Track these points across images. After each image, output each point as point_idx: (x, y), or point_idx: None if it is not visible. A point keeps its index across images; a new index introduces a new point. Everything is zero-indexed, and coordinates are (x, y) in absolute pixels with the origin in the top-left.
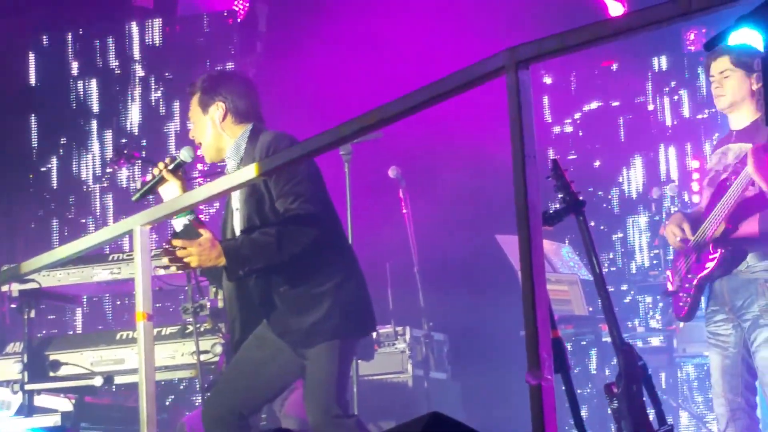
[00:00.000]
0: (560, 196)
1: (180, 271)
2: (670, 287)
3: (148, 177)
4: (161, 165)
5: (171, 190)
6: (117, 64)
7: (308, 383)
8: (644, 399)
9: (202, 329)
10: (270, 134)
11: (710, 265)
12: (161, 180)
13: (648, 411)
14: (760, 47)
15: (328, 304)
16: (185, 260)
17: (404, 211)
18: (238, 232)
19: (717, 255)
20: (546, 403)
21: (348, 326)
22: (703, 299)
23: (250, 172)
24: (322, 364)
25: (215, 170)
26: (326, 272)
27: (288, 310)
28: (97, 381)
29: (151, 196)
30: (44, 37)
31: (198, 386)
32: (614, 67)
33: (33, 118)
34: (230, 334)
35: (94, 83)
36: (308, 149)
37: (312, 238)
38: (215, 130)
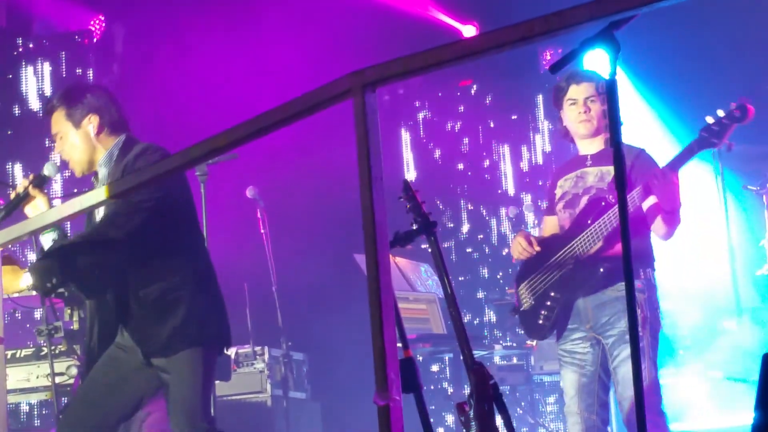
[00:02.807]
0: (412, 216)
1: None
2: (524, 305)
3: (12, 195)
4: (25, 182)
5: (37, 206)
6: None
7: (172, 396)
8: (496, 418)
9: (56, 351)
10: (142, 145)
11: (580, 281)
12: (26, 197)
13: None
14: (605, 69)
15: (184, 310)
16: None
17: (262, 230)
18: None
19: (593, 272)
20: (393, 424)
21: (209, 334)
22: None
23: (101, 194)
24: (185, 373)
25: (71, 192)
26: (180, 277)
27: (145, 315)
28: None
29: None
30: None
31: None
32: (473, 88)
33: None
34: (86, 337)
35: None
36: (159, 171)
37: (124, 234)
38: (89, 144)
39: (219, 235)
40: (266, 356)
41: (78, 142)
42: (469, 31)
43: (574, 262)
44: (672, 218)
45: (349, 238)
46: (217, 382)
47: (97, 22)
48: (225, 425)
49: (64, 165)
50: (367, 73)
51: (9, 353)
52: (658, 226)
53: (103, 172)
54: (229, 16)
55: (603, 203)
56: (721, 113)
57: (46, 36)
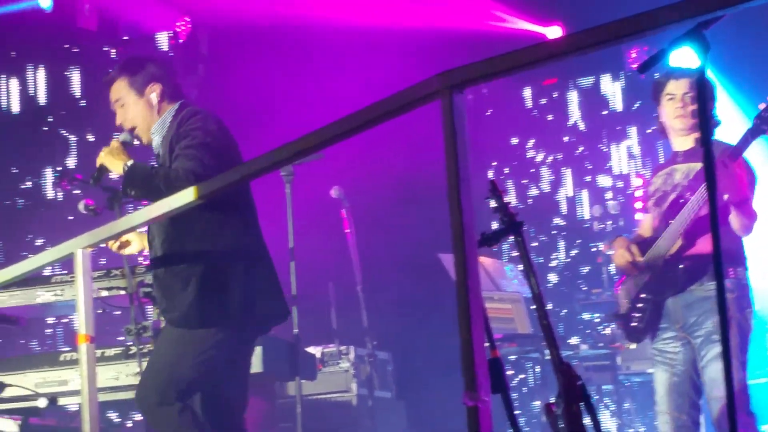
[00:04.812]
0: (498, 217)
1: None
2: (621, 309)
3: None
4: (106, 149)
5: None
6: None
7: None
8: (584, 419)
9: (145, 350)
10: (188, 110)
11: (666, 281)
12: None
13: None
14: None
15: (195, 290)
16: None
17: (347, 230)
18: None
19: (675, 271)
20: (482, 425)
21: (217, 315)
22: None
23: (189, 195)
24: (164, 343)
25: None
26: (191, 261)
27: (165, 287)
28: (42, 402)
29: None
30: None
31: None
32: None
33: None
34: None
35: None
36: (247, 172)
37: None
38: (152, 112)
39: (304, 235)
40: (351, 355)
41: (140, 110)
42: (553, 32)
43: (661, 262)
44: (743, 210)
45: (434, 238)
46: (303, 381)
47: (183, 23)
48: (310, 424)
49: None
50: (455, 74)
51: (98, 352)
52: (732, 221)
53: (156, 140)
54: (315, 23)
55: (681, 200)
56: None
57: (134, 39)
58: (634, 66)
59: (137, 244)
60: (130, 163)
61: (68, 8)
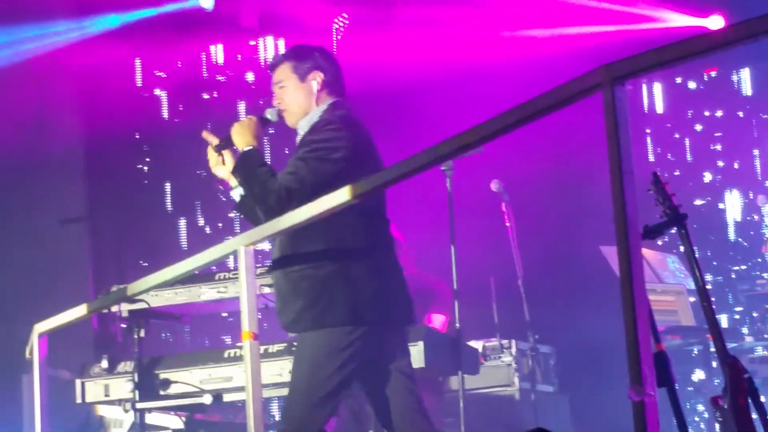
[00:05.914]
0: (661, 209)
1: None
2: None
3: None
4: (241, 122)
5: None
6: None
7: None
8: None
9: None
10: (326, 116)
11: None
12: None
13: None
14: None
15: (313, 290)
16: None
17: (507, 224)
18: None
19: None
20: (649, 420)
21: (340, 315)
22: None
23: (345, 194)
24: (299, 356)
25: None
26: (319, 259)
27: (283, 288)
28: (207, 399)
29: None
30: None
31: None
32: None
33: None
34: None
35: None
36: (409, 168)
37: (270, 208)
38: (310, 100)
39: (464, 229)
40: (513, 349)
41: (300, 95)
42: (714, 22)
43: None
44: None
45: (596, 231)
46: (465, 375)
47: (342, 20)
48: (473, 418)
49: None
50: (618, 66)
51: (262, 348)
52: None
53: (300, 135)
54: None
55: None
56: None
57: (294, 35)
58: None
59: (226, 171)
60: (248, 148)
61: (230, 7)
